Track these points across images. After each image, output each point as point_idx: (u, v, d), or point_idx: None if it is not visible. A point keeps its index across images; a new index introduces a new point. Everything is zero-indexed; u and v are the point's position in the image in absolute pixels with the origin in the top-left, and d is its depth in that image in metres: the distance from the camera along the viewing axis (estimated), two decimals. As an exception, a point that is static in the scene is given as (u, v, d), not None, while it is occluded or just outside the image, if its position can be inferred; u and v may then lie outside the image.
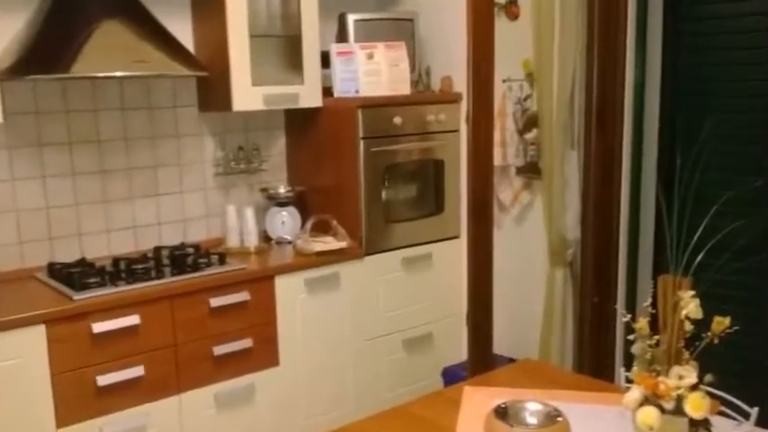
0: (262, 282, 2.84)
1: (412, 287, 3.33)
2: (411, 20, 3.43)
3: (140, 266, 2.71)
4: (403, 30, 3.41)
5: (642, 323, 1.64)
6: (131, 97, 3.03)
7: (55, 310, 2.38)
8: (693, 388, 1.54)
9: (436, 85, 3.50)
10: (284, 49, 3.20)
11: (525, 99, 3.56)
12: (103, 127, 2.98)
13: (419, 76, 3.50)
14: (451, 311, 3.50)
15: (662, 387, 1.55)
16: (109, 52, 2.61)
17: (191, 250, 2.97)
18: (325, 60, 3.21)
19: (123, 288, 2.55)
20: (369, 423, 1.97)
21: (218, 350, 2.73)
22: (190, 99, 3.18)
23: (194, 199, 3.24)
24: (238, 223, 3.10)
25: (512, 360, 3.22)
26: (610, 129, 3.46)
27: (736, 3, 3.22)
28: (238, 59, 2.94)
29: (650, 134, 3.52)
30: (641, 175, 3.57)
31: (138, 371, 2.55)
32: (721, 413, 1.66)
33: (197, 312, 2.68)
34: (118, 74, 2.60)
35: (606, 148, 3.48)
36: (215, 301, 2.70)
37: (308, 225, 3.10)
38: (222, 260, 2.86)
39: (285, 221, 3.23)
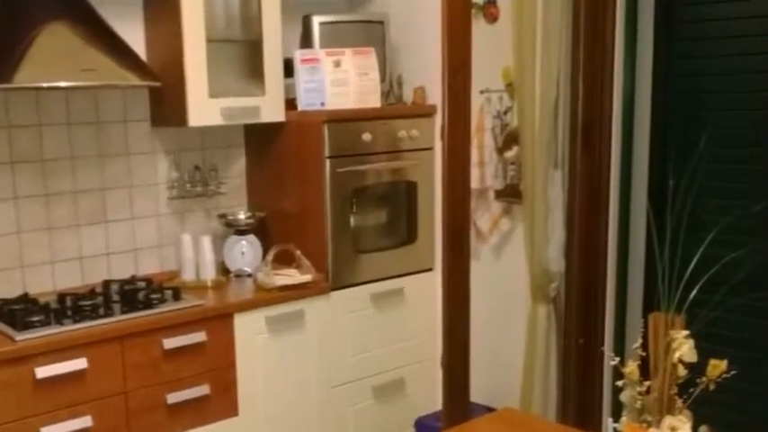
0: (220, 320, 3.04)
1: (382, 326, 3.54)
2: (381, 22, 3.64)
3: (88, 303, 2.90)
4: (372, 33, 3.62)
5: (631, 367, 1.78)
6: (78, 110, 3.20)
7: (-3, 352, 2.54)
8: (687, 440, 1.70)
9: (408, 96, 3.69)
10: (244, 55, 3.40)
11: (505, 112, 3.80)
12: (48, 144, 3.15)
13: (390, 86, 3.69)
14: (425, 354, 3.71)
15: (653, 440, 1.71)
16: (54, 59, 2.79)
17: (142, 284, 3.16)
18: (288, 69, 3.39)
19: (69, 327, 2.74)
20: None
21: (172, 398, 2.93)
22: (141, 112, 3.36)
23: (146, 226, 3.43)
24: (194, 254, 3.28)
25: (490, 409, 3.46)
26: (596, 146, 3.69)
27: (736, 3, 3.41)
28: (194, 67, 3.12)
29: (640, 152, 3.74)
30: (630, 199, 3.78)
31: (85, 421, 2.73)
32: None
33: (149, 355, 2.87)
34: (62, 84, 2.79)
35: (593, 167, 3.70)
36: (169, 342, 2.90)
37: (270, 256, 3.28)
38: (177, 296, 3.06)
39: (245, 252, 3.42)
